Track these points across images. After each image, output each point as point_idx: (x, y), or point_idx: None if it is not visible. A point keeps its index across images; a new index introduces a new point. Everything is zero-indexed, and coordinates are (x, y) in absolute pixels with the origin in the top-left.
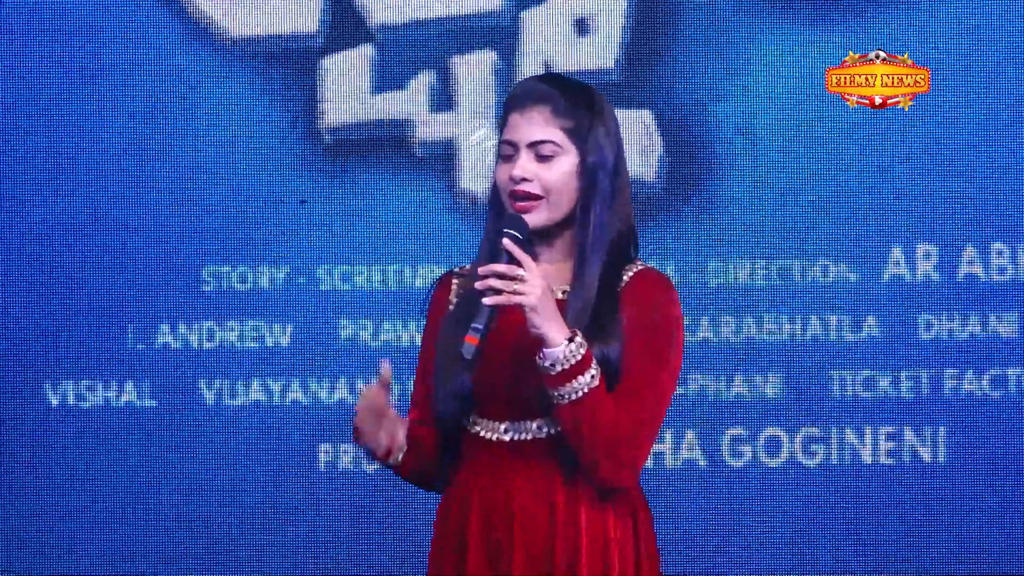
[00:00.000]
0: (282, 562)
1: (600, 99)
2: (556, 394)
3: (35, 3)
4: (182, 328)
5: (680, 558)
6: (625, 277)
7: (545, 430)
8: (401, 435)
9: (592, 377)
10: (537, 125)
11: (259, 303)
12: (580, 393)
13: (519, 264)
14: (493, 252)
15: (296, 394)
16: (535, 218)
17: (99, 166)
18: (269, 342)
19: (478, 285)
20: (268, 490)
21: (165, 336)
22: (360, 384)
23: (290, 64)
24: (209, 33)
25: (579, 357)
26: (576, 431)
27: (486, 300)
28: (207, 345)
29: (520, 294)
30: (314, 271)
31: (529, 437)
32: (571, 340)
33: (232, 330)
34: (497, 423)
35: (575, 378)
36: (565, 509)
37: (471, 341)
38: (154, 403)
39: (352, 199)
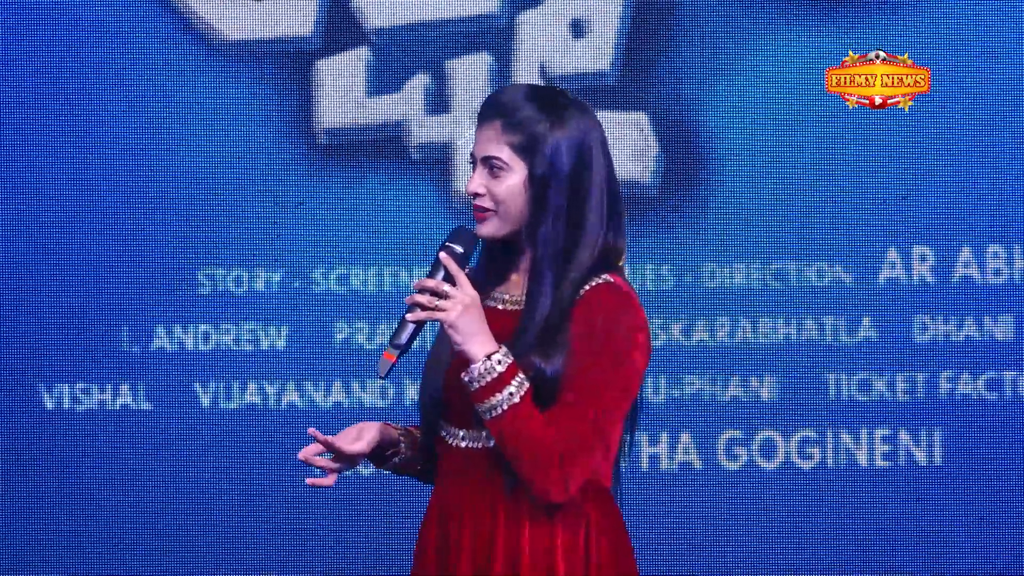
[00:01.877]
0: (278, 563)
1: (565, 109)
2: (479, 409)
3: (31, 5)
4: (177, 331)
5: (676, 560)
6: (584, 289)
7: (493, 441)
8: (370, 436)
9: (511, 394)
10: (488, 141)
11: (255, 306)
12: (500, 409)
13: (453, 279)
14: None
15: (292, 396)
16: (487, 229)
17: (94, 168)
18: (265, 345)
19: (407, 300)
20: (263, 492)
21: (160, 339)
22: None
23: (286, 67)
24: (205, 36)
25: (495, 375)
26: (502, 446)
27: (408, 316)
28: (202, 348)
29: (441, 311)
30: (309, 273)
31: (480, 446)
32: (490, 356)
33: (228, 333)
34: (458, 430)
35: (493, 394)
36: (507, 517)
37: (388, 358)
38: (150, 406)
39: (348, 201)
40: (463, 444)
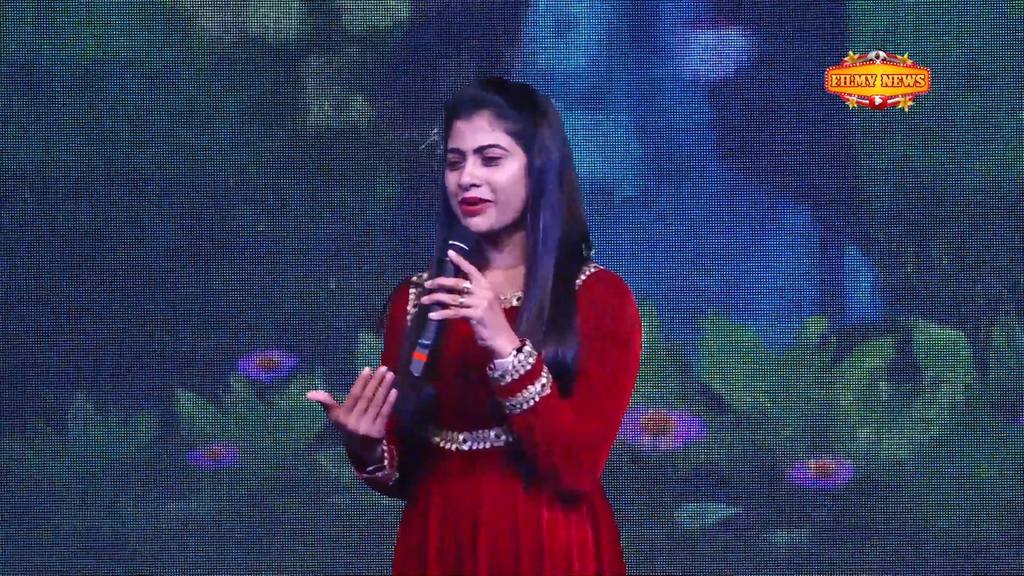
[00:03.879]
0: (280, 563)
1: (543, 100)
2: (508, 404)
3: (21, 4)
4: (178, 330)
5: (677, 559)
6: (580, 279)
7: (503, 438)
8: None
9: (543, 386)
10: (482, 130)
11: (254, 305)
12: (532, 402)
13: (466, 276)
14: (442, 264)
15: (292, 397)
16: (484, 221)
17: (91, 167)
18: (265, 344)
19: (424, 300)
20: (265, 492)
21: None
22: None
23: (272, 66)
24: (190, 34)
25: (528, 367)
26: (531, 439)
27: (432, 315)
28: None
29: (466, 307)
30: (300, 276)
31: (488, 446)
32: (519, 350)
33: (228, 332)
34: (456, 433)
35: (525, 388)
36: (526, 513)
37: (419, 357)
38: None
39: (335, 202)
40: (465, 446)
